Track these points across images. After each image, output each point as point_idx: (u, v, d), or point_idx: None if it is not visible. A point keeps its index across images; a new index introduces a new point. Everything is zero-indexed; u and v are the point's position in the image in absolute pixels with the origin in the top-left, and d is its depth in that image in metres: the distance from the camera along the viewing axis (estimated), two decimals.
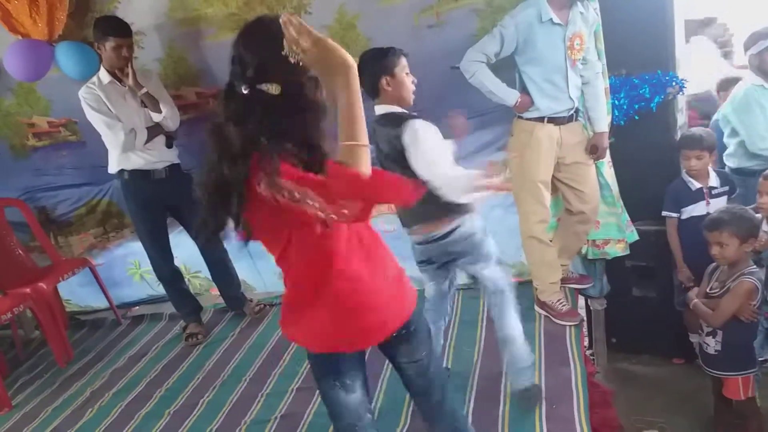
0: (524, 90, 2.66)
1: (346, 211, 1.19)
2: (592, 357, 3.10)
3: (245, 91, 1.30)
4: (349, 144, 1.22)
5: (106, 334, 3.69)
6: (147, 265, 3.74)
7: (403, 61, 2.04)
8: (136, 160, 3.05)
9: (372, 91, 2.04)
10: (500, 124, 2.91)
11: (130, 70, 2.89)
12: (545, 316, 2.81)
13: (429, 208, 2.05)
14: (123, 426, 2.63)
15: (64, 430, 2.70)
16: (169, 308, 3.68)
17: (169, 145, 3.12)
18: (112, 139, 2.98)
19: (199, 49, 3.24)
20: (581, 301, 3.08)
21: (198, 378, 2.93)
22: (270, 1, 3.04)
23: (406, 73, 2.04)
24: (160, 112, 2.98)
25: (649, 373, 3.24)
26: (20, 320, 3.70)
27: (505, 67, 2.66)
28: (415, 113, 2.05)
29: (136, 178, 3.08)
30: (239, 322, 3.45)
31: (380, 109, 2.05)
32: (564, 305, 2.77)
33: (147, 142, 3.01)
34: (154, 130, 3.03)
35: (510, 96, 2.63)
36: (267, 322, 3.38)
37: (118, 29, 2.89)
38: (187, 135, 3.25)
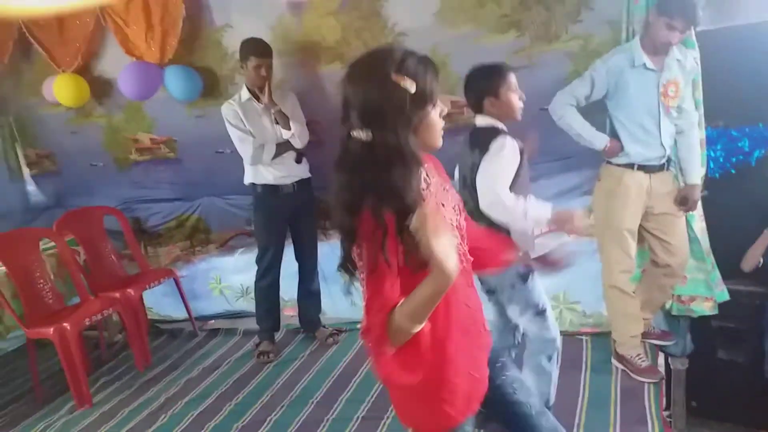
0: (614, 135, 2.62)
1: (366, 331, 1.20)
2: (669, 419, 2.93)
3: (345, 138, 1.25)
4: (398, 319, 1.17)
5: (183, 344, 3.83)
6: (227, 281, 3.91)
7: (510, 79, 2.01)
8: (266, 176, 3.22)
9: (475, 109, 2.05)
10: (587, 168, 2.87)
11: (266, 89, 3.07)
12: (622, 370, 2.70)
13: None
14: None
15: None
16: (243, 324, 3.80)
17: (298, 161, 3.26)
18: (243, 152, 3.17)
19: (296, 79, 3.39)
20: (661, 358, 2.93)
21: (267, 396, 2.98)
22: (365, 36, 3.17)
23: (513, 91, 2.00)
24: (289, 129, 3.14)
25: None
26: (106, 323, 3.90)
27: (596, 112, 2.63)
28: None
29: (266, 191, 3.25)
30: (310, 344, 3.51)
31: (480, 121, 2.04)
32: (644, 361, 2.66)
33: (275, 157, 3.17)
34: (283, 146, 3.18)
35: (599, 140, 2.59)
36: (337, 347, 3.41)
37: (259, 50, 3.08)
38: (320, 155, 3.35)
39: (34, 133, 4.26)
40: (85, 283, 3.56)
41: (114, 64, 3.69)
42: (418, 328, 1.19)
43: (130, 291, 3.56)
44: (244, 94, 3.19)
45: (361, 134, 1.22)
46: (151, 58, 3.51)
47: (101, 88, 3.87)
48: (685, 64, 2.53)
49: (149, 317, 4.08)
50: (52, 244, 3.56)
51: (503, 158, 1.92)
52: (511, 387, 1.51)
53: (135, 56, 3.56)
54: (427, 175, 1.33)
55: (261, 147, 3.15)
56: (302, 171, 3.30)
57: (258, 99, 3.15)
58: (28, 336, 3.20)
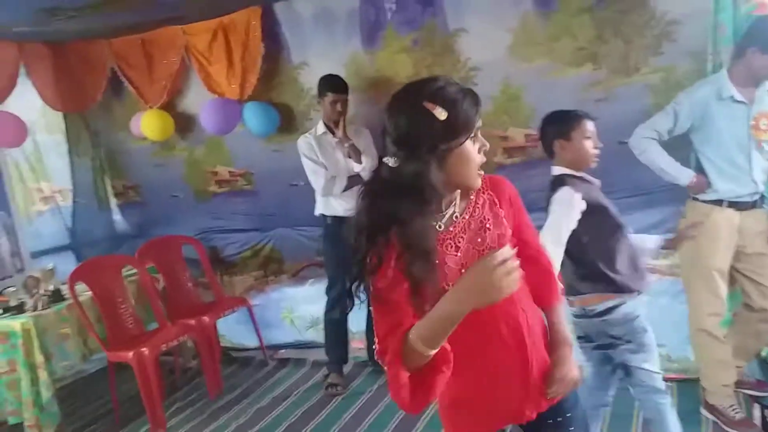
0: (700, 170, 2.49)
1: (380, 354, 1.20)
2: None
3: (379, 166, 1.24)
4: (413, 340, 1.14)
5: (254, 373, 3.88)
6: (298, 311, 3.94)
7: (586, 125, 1.96)
8: (335, 207, 3.29)
9: (547, 152, 2.03)
10: (670, 204, 2.74)
11: (341, 123, 3.16)
12: (713, 422, 2.51)
13: (587, 278, 1.97)
14: None
15: None
16: (313, 355, 3.80)
17: None
18: (315, 183, 3.26)
19: (372, 115, 3.44)
20: (757, 410, 2.71)
21: (335, 429, 2.97)
22: (437, 70, 3.18)
23: (587, 137, 1.96)
24: (360, 162, 3.20)
25: None
26: (181, 348, 4.01)
27: (680, 146, 2.52)
28: (587, 177, 1.98)
29: (335, 223, 3.31)
30: (378, 377, 3.47)
31: (554, 170, 2.02)
32: (738, 412, 2.47)
33: (345, 189, 3.22)
34: (354, 179, 3.23)
35: (684, 175, 2.48)
36: None
37: (336, 86, 3.19)
38: None
39: (122, 166, 4.50)
40: (164, 310, 3.69)
41: (197, 100, 3.88)
42: (432, 352, 1.14)
43: (206, 318, 3.65)
44: (320, 128, 3.28)
45: (389, 160, 1.20)
46: (231, 95, 3.66)
47: (184, 123, 4.05)
48: None
49: (222, 344, 4.16)
50: (134, 270, 3.72)
51: (570, 209, 1.87)
52: None
53: (216, 93, 3.72)
54: (457, 213, 1.30)
55: (332, 179, 3.21)
56: None
57: (333, 133, 3.23)
58: (109, 359, 3.34)
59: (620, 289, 1.96)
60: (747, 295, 2.54)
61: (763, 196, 2.48)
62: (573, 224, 1.85)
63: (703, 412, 2.58)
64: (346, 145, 3.17)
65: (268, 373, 3.84)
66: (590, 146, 1.97)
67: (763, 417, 2.73)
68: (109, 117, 4.36)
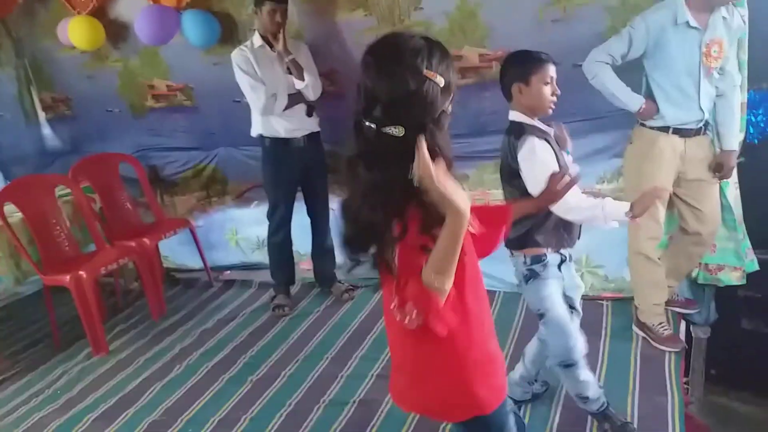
0: (650, 96, 2.49)
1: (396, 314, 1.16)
2: (686, 387, 2.91)
3: (370, 131, 1.19)
4: (426, 276, 1.13)
5: (198, 294, 3.84)
6: (244, 233, 3.88)
7: (546, 69, 1.86)
8: (277, 129, 3.14)
9: (506, 95, 1.95)
10: (619, 129, 2.75)
11: (281, 36, 2.97)
12: (643, 338, 2.65)
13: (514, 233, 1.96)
14: (208, 386, 2.73)
15: (154, 381, 2.84)
16: (259, 277, 3.77)
17: (309, 114, 3.17)
18: (254, 101, 3.07)
19: (319, 27, 3.26)
20: (683, 326, 2.88)
21: (281, 350, 2.98)
22: None
23: (546, 83, 1.86)
24: (303, 79, 3.04)
25: (750, 412, 3.02)
26: (122, 271, 3.90)
27: (632, 71, 2.50)
28: (542, 126, 1.91)
29: (276, 145, 3.17)
30: (325, 299, 3.49)
31: (511, 115, 1.95)
32: (666, 329, 2.60)
33: (286, 108, 3.08)
34: (295, 98, 3.10)
35: (634, 101, 2.47)
36: (352, 303, 3.39)
37: None
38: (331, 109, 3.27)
39: (50, 77, 4.19)
40: (101, 231, 3.54)
41: (131, 7, 3.57)
42: (448, 284, 1.14)
43: (146, 240, 3.55)
44: (257, 40, 3.08)
45: (393, 130, 1.16)
46: (168, 2, 3.38)
47: (117, 32, 3.76)
48: (731, 22, 2.38)
49: (165, 266, 4.09)
50: (68, 191, 3.53)
51: (539, 161, 1.82)
52: None
53: None
54: None
55: (273, 96, 3.05)
56: (312, 124, 3.21)
57: (271, 46, 3.04)
58: (44, 282, 3.21)
59: (528, 245, 1.96)
60: (683, 219, 2.62)
61: (707, 123, 2.52)
62: (550, 168, 1.81)
63: (635, 329, 2.70)
64: (287, 59, 3.01)
65: (213, 295, 3.80)
66: (548, 92, 1.87)
67: (689, 332, 2.92)
68: (33, 23, 4.01)
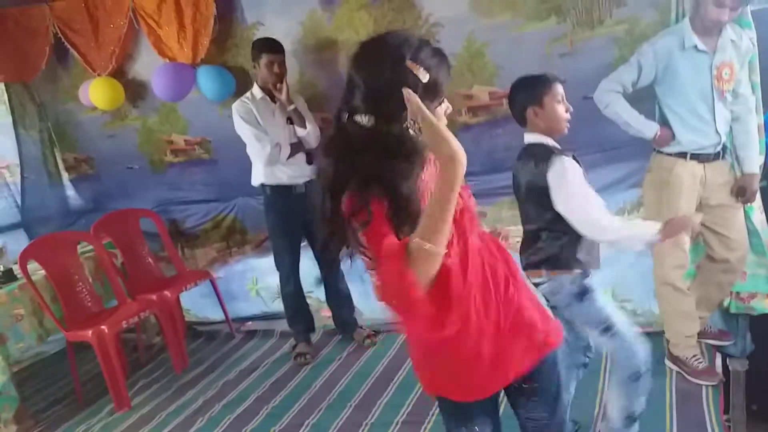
0: (665, 123, 2.47)
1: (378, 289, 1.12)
2: (727, 424, 2.76)
3: (344, 120, 1.18)
4: (417, 242, 1.06)
5: (220, 346, 3.81)
6: (264, 282, 3.86)
7: (556, 88, 1.90)
8: (279, 176, 3.17)
9: (520, 120, 1.96)
10: (636, 158, 2.72)
11: (284, 86, 3.03)
12: (677, 372, 2.55)
13: (534, 253, 1.98)
14: None
15: None
16: (280, 326, 3.74)
17: (309, 162, 3.21)
18: (258, 151, 3.11)
19: (327, 76, 3.33)
20: (719, 359, 2.76)
21: (304, 399, 2.93)
22: (399, 28, 3.08)
23: (558, 102, 1.89)
24: (305, 128, 3.09)
25: None
26: (144, 325, 3.91)
27: (644, 99, 2.49)
28: (563, 148, 1.91)
29: (278, 192, 3.19)
30: (347, 345, 3.44)
31: (528, 138, 1.96)
32: (700, 362, 2.50)
33: (289, 156, 3.13)
34: (297, 146, 3.14)
35: (648, 128, 2.45)
36: (374, 349, 3.34)
37: (271, 46, 3.06)
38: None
39: (73, 138, 4.30)
40: (123, 286, 3.56)
41: (148, 66, 3.69)
42: (441, 248, 1.07)
43: (167, 293, 3.55)
44: (257, 92, 3.15)
45: (362, 119, 1.14)
46: (183, 59, 3.49)
47: (136, 91, 3.87)
48: (740, 44, 2.38)
49: (186, 319, 4.08)
50: (90, 247, 3.57)
51: (571, 183, 1.82)
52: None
53: (168, 57, 3.54)
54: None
55: (278, 146, 3.09)
56: (312, 172, 3.23)
57: (271, 98, 3.11)
58: (67, 339, 3.22)
59: (557, 266, 1.94)
60: (709, 246, 2.55)
61: (725, 147, 2.48)
62: (583, 185, 1.81)
63: (667, 363, 2.60)
64: (290, 108, 3.06)
65: (235, 346, 3.77)
66: (562, 110, 1.90)
67: (725, 365, 2.80)
68: (56, 87, 4.13)
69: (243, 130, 3.12)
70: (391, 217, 1.10)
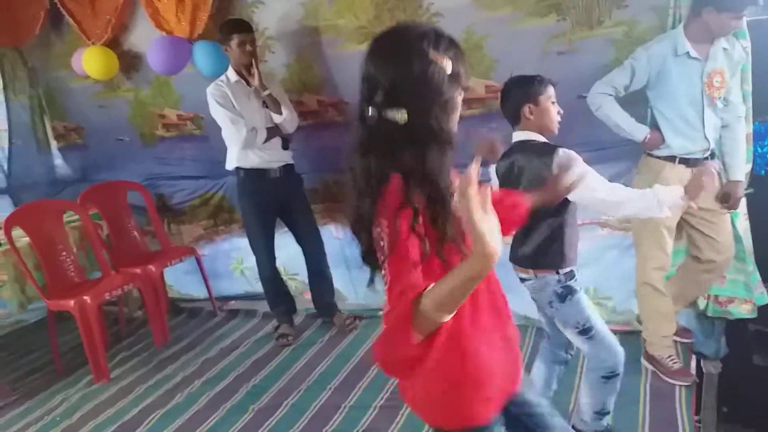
0: (656, 127, 2.50)
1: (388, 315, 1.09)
2: (698, 424, 2.82)
3: (372, 118, 1.16)
4: (428, 308, 1.03)
5: (202, 323, 3.81)
6: (249, 262, 3.85)
7: (550, 90, 1.95)
8: (254, 159, 3.15)
9: (513, 118, 1.99)
10: (625, 160, 2.75)
11: (256, 71, 3.00)
12: (653, 371, 2.60)
13: (523, 249, 2.00)
14: (209, 415, 2.69)
15: (155, 409, 2.80)
16: (263, 306, 3.74)
17: (284, 147, 3.21)
18: (234, 135, 3.09)
19: (325, 59, 3.31)
20: (694, 361, 2.81)
21: (284, 379, 2.95)
22: (399, 15, 3.07)
23: (552, 102, 1.95)
24: (280, 113, 3.07)
25: None
26: (126, 299, 3.90)
27: (637, 102, 2.52)
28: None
29: (252, 176, 3.18)
30: (329, 329, 3.46)
31: (519, 135, 1.98)
32: (675, 363, 2.56)
33: (266, 141, 3.11)
34: (273, 131, 3.13)
35: (639, 131, 2.49)
36: (356, 334, 3.36)
37: (240, 26, 3.03)
38: (305, 140, 3.36)
39: (63, 106, 4.25)
40: (107, 258, 3.55)
41: (144, 38, 3.64)
42: (446, 318, 1.05)
43: (151, 267, 3.54)
44: (232, 75, 3.12)
45: (395, 115, 1.13)
46: (180, 33, 3.45)
47: (130, 62, 3.83)
48: (732, 53, 2.41)
49: (169, 295, 4.08)
50: (76, 217, 3.55)
51: (582, 166, 1.83)
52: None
53: (165, 30, 3.50)
54: None
55: (253, 130, 3.08)
56: (287, 157, 3.24)
57: (246, 81, 3.08)
58: (49, 308, 3.20)
59: (541, 266, 1.97)
60: (696, 247, 2.58)
61: (714, 153, 2.52)
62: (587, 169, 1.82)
63: (643, 361, 2.65)
64: (264, 94, 3.03)
65: (217, 324, 3.78)
66: (555, 111, 1.96)
67: (699, 367, 2.86)
68: (48, 53, 4.09)
69: (218, 113, 3.10)
70: (431, 220, 1.10)
